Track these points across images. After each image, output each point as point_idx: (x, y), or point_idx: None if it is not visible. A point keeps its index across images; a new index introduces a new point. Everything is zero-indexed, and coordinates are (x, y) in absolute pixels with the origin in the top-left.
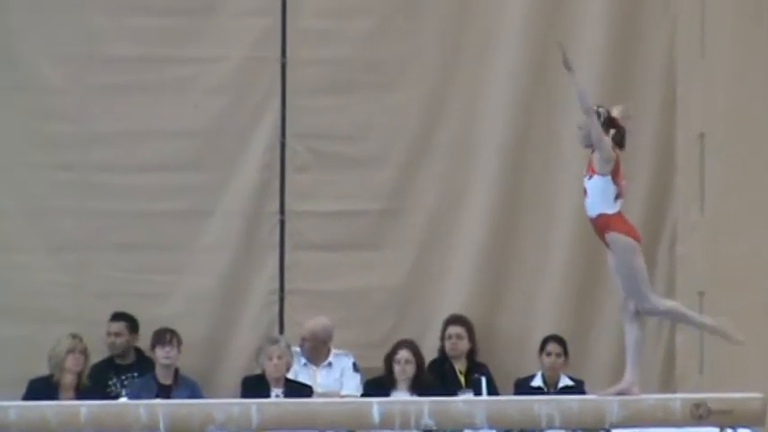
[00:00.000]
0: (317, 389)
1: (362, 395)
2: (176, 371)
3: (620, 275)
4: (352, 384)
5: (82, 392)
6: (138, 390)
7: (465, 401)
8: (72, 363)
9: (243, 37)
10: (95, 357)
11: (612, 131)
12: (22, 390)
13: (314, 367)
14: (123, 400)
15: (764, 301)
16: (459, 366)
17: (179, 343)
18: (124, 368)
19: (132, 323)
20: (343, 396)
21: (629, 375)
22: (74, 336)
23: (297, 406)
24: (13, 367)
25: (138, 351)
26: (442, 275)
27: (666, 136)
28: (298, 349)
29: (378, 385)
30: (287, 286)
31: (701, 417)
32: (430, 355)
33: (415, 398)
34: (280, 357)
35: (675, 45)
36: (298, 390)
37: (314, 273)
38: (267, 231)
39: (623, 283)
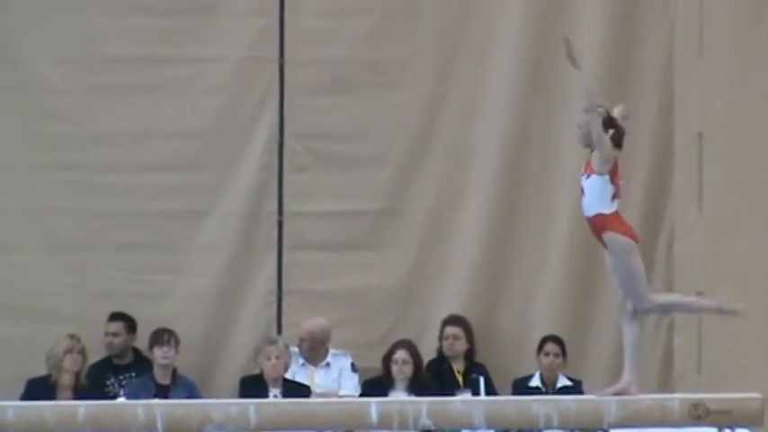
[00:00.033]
0: (315, 389)
1: (360, 395)
2: (174, 371)
3: (618, 275)
4: (351, 384)
5: (80, 392)
6: (137, 390)
7: (463, 401)
8: (70, 363)
9: (241, 37)
10: (93, 357)
11: (611, 131)
12: (21, 390)
13: (312, 367)
14: (121, 400)
15: (763, 301)
16: (458, 366)
17: (177, 343)
18: (122, 368)
19: (130, 323)
20: (342, 396)
21: (627, 375)
22: (72, 336)
23: (295, 406)
24: (13, 367)
25: (136, 351)
26: (440, 275)
27: (665, 136)
28: (296, 349)
29: (376, 385)
30: (285, 286)
31: (699, 417)
32: (429, 355)
33: (414, 398)
34: (278, 357)
35: (674, 45)
36: (296, 390)
37: (312, 273)
38: (265, 231)
39: (621, 282)
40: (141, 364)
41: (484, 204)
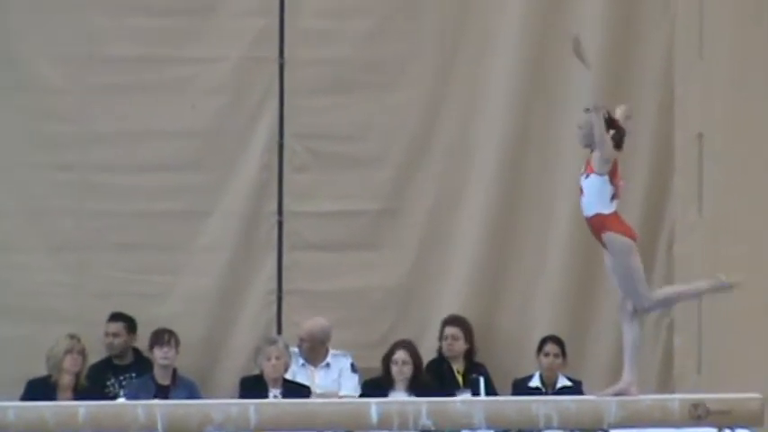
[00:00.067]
0: (315, 389)
1: (361, 395)
2: (174, 371)
3: (618, 275)
4: (351, 385)
5: (80, 393)
6: (137, 390)
7: (463, 402)
8: (70, 363)
9: (241, 37)
10: (93, 358)
11: (612, 132)
12: (21, 390)
13: (312, 368)
14: (121, 400)
15: (763, 301)
16: (458, 367)
17: (177, 343)
18: (122, 368)
19: (130, 323)
20: (342, 397)
21: (627, 375)
22: (72, 336)
23: (295, 406)
24: (12, 367)
25: (137, 351)
26: (440, 275)
27: (665, 137)
28: (296, 350)
29: (376, 386)
30: (285, 286)
31: (699, 417)
32: (429, 355)
33: (414, 398)
34: (278, 358)
35: (674, 46)
36: (296, 390)
37: (312, 273)
38: (265, 231)
39: (621, 282)
40: (141, 364)
41: (484, 204)
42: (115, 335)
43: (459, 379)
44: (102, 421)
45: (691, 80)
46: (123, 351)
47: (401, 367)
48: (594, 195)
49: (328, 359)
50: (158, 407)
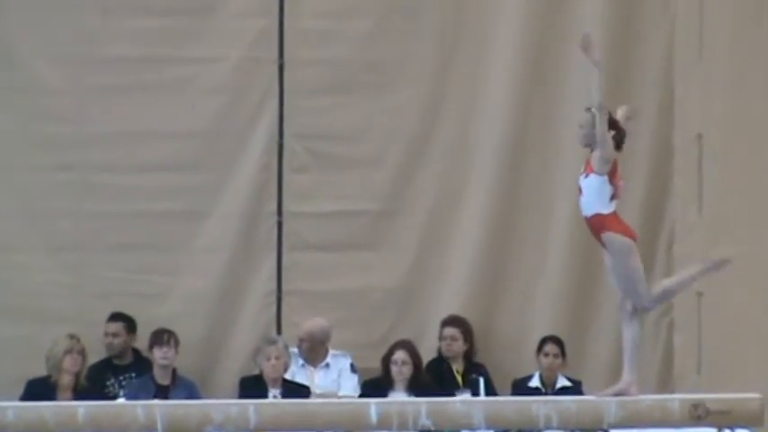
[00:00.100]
0: (314, 390)
1: (360, 396)
2: (174, 371)
3: (617, 275)
4: (350, 385)
5: (80, 393)
6: (136, 390)
7: (463, 402)
8: (70, 363)
9: (241, 37)
10: (93, 358)
11: (612, 132)
12: (20, 390)
13: (311, 368)
14: (121, 400)
15: (763, 301)
16: (457, 367)
17: (177, 343)
18: (122, 369)
19: (130, 323)
20: (341, 397)
21: (626, 376)
22: (71, 336)
23: (294, 406)
24: (12, 367)
25: (136, 351)
26: (439, 276)
27: (664, 137)
28: (295, 350)
29: (375, 386)
30: (285, 287)
31: (699, 417)
32: (428, 355)
33: (413, 398)
34: (277, 358)
35: (674, 46)
36: (295, 390)
37: (312, 273)
38: (265, 232)
39: (620, 282)
40: (141, 364)
41: (484, 204)
42: (115, 335)
43: (459, 379)
44: (102, 421)
45: (690, 80)
46: (123, 351)
47: (401, 367)
48: (594, 195)
49: (328, 359)
50: (158, 407)
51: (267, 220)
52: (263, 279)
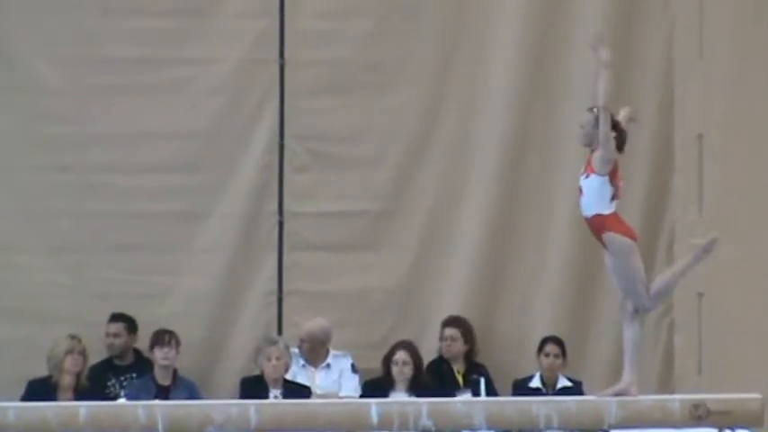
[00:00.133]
0: (315, 390)
1: (361, 396)
2: (175, 372)
3: (618, 275)
4: (351, 385)
5: (81, 393)
6: (137, 390)
7: (463, 402)
8: (71, 363)
9: (241, 38)
10: (94, 358)
11: (614, 134)
12: (21, 390)
13: (312, 368)
14: (122, 400)
15: (763, 301)
16: (458, 367)
17: (177, 344)
18: (123, 369)
19: (131, 324)
20: (342, 397)
21: (627, 376)
22: (72, 337)
23: (295, 407)
24: (12, 368)
25: (137, 352)
26: (440, 276)
27: (665, 137)
28: (296, 350)
29: (376, 386)
30: (285, 287)
31: (699, 417)
32: (429, 355)
33: (414, 399)
34: (278, 358)
35: (674, 46)
36: (296, 391)
37: (312, 273)
38: (266, 232)
39: (621, 283)
40: (142, 364)
41: (484, 204)
42: (116, 335)
43: (460, 379)
44: (103, 422)
45: (691, 80)
46: (124, 351)
47: (401, 368)
48: (594, 196)
49: (329, 360)
50: (159, 407)
51: (268, 221)
52: (264, 279)
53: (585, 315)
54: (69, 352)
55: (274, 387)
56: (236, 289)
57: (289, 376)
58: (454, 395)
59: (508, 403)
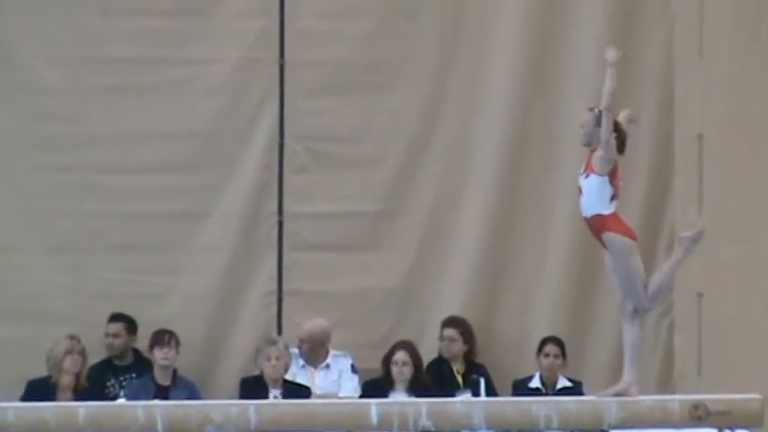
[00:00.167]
0: (315, 390)
1: (361, 396)
2: (174, 372)
3: (618, 276)
4: (351, 386)
5: (80, 393)
6: (137, 391)
7: (463, 402)
8: (70, 364)
9: (241, 38)
10: (94, 358)
11: (614, 135)
12: (21, 391)
13: (312, 369)
14: (121, 401)
15: (763, 301)
16: (458, 367)
17: (177, 344)
18: (122, 369)
19: (130, 324)
20: (342, 397)
21: (627, 376)
22: (72, 337)
23: (295, 407)
24: (12, 368)
25: (137, 352)
26: (440, 276)
27: (665, 137)
28: (296, 350)
29: (376, 386)
30: (285, 287)
31: (699, 418)
32: (429, 355)
33: (414, 399)
34: (278, 358)
35: (674, 46)
36: (296, 391)
37: (312, 273)
38: (265, 232)
39: (621, 283)
40: (141, 364)
41: (484, 204)
42: (115, 335)
43: (460, 379)
44: (103, 422)
45: (691, 80)
46: (123, 352)
47: (401, 368)
48: (594, 196)
49: (328, 360)
50: (158, 407)
51: (267, 221)
52: (264, 279)
53: (585, 315)
54: (69, 352)
55: (274, 387)
56: (235, 289)
57: (288, 376)
58: (454, 395)
59: (508, 403)
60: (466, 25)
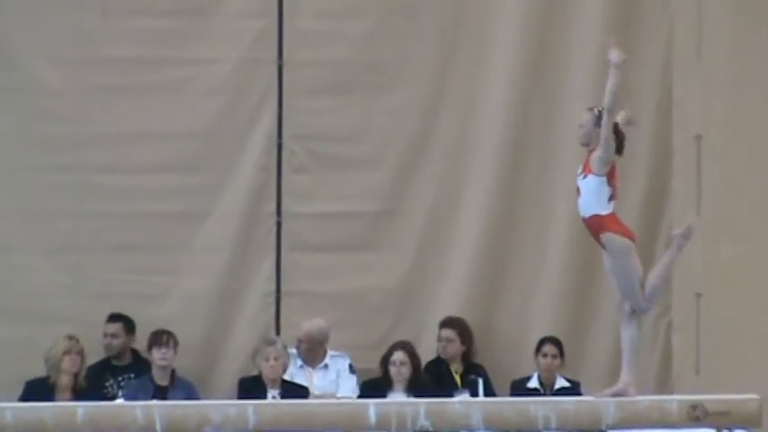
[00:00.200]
0: (313, 390)
1: (359, 396)
2: (173, 372)
3: (616, 276)
4: (349, 386)
5: (78, 394)
6: (135, 391)
7: (461, 403)
8: (68, 364)
9: (240, 38)
10: (92, 358)
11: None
12: (19, 391)
13: (310, 369)
14: (120, 401)
15: (762, 302)
16: (456, 367)
17: (175, 344)
18: (121, 369)
19: (129, 324)
20: (340, 397)
21: (625, 376)
22: (70, 337)
23: (293, 407)
24: (11, 368)
25: (135, 352)
26: (439, 276)
27: (663, 138)
28: (294, 351)
29: (374, 387)
30: (283, 287)
31: (697, 418)
32: (427, 356)
33: (412, 399)
34: (276, 359)
35: (673, 45)
36: (294, 391)
37: (311, 274)
38: (264, 232)
39: (619, 283)
40: (140, 365)
41: (483, 204)
42: (114, 335)
43: (458, 380)
44: (101, 422)
45: (689, 81)
46: (122, 352)
47: (399, 368)
48: (592, 196)
49: (327, 360)
50: (157, 407)
51: (266, 221)
52: (263, 280)
53: (584, 315)
54: (67, 352)
55: (272, 387)
56: (234, 289)
57: (287, 377)
58: (452, 395)
59: (506, 404)
60: (466, 25)
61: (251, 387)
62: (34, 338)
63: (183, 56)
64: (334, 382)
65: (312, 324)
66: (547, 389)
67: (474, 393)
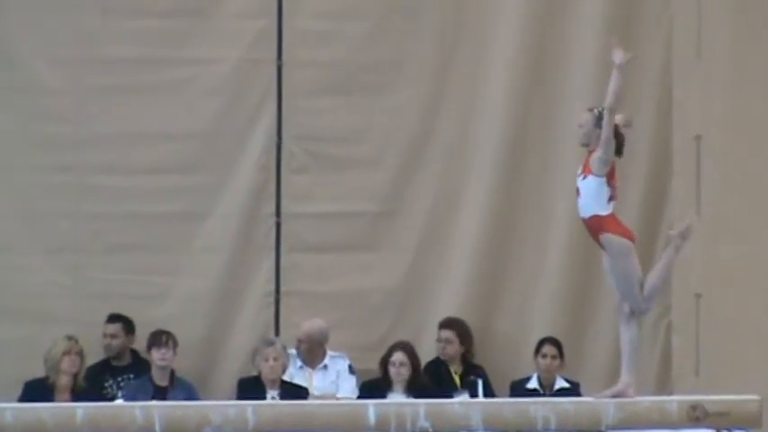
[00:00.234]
0: (312, 391)
1: (358, 397)
2: (172, 372)
3: (615, 277)
4: (348, 386)
5: (78, 394)
6: (135, 391)
7: (461, 403)
8: (68, 364)
9: (239, 38)
10: (91, 359)
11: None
12: (18, 391)
13: (310, 369)
14: (119, 401)
15: (762, 302)
16: (455, 368)
17: (175, 345)
18: (120, 370)
19: (128, 325)
20: (339, 398)
21: (624, 377)
22: (69, 337)
23: (293, 408)
24: (10, 369)
25: (134, 353)
26: (438, 277)
27: (663, 138)
28: (294, 351)
29: (374, 387)
30: (283, 288)
31: (697, 419)
32: (427, 356)
33: (411, 400)
34: (276, 359)
35: (673, 46)
36: (294, 392)
37: (310, 274)
38: (263, 233)
39: (618, 284)
40: (139, 365)
41: (482, 206)
42: (113, 336)
43: (457, 380)
44: (100, 422)
45: (689, 81)
46: (121, 352)
47: (399, 369)
48: (592, 197)
49: (326, 361)
50: (156, 408)
51: (266, 221)
52: (262, 280)
53: (583, 316)
54: (66, 353)
55: (272, 388)
56: (233, 290)
57: (286, 377)
58: (452, 396)
59: (505, 404)
60: (466, 25)
61: (250, 387)
62: (34, 339)
63: (183, 56)
64: (333, 383)
65: (312, 324)
66: (546, 390)
67: (473, 394)
